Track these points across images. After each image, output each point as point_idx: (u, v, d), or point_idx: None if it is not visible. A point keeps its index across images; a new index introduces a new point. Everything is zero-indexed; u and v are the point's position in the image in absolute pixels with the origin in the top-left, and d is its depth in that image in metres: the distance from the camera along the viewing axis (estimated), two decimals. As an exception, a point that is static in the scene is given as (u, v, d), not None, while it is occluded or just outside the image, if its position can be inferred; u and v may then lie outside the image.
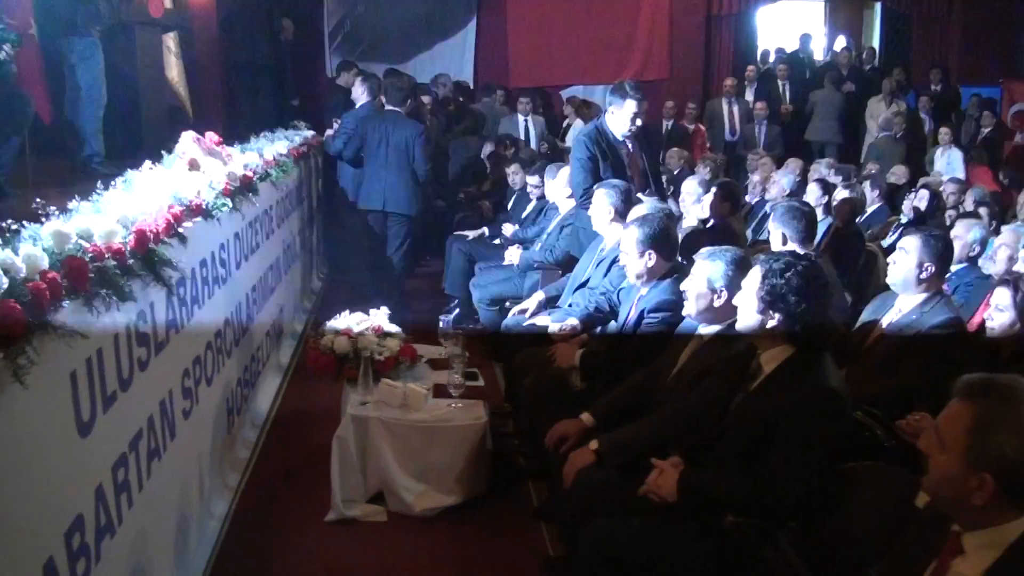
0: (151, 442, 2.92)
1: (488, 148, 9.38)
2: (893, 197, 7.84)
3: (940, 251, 3.73)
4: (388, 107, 6.80)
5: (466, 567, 3.71)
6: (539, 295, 5.10)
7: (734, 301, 2.87)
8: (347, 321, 4.31)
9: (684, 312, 3.39)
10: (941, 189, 7.20)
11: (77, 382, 2.29)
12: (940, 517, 1.94)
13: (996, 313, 3.31)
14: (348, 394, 4.12)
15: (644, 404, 3.47)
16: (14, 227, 2.26)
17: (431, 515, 3.94)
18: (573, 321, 4.41)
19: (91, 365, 2.39)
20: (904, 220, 7.12)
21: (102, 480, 2.47)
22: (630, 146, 5.42)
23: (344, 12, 11.13)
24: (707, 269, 3.22)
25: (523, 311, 5.01)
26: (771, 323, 2.67)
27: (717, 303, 3.23)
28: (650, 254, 3.82)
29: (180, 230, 3.28)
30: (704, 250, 3.33)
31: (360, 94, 7.32)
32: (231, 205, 3.96)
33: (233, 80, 9.09)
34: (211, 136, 4.53)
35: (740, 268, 3.20)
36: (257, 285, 4.99)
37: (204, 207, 3.65)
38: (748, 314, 2.75)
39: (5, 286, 1.97)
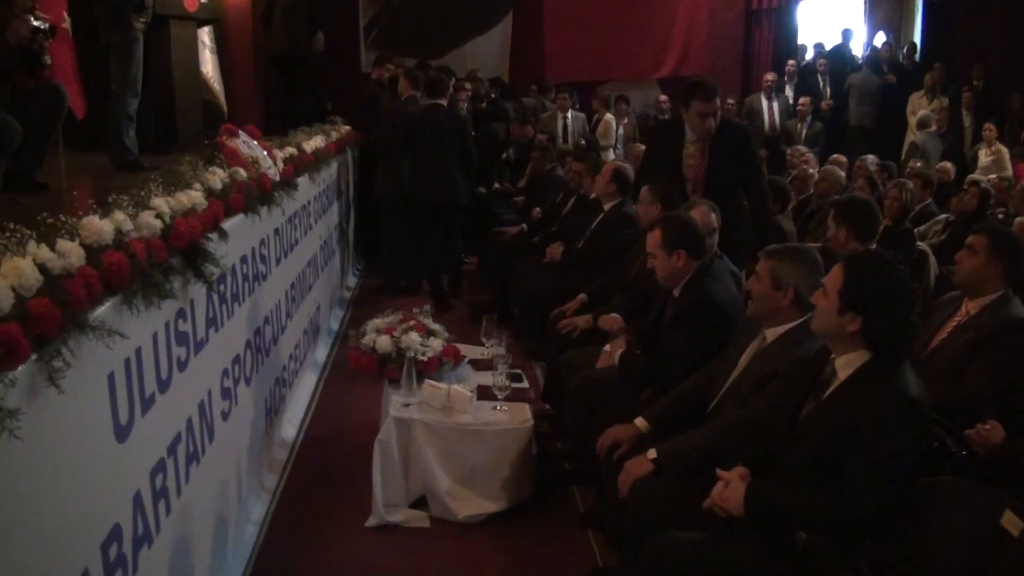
0: (190, 446, 2.81)
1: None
2: (939, 194, 7.61)
3: (1009, 249, 3.55)
4: (432, 101, 6.79)
5: (512, 576, 3.57)
6: (582, 296, 4.96)
7: (812, 300, 2.69)
8: (389, 319, 4.20)
9: (748, 313, 3.22)
10: (989, 187, 6.94)
11: (115, 384, 2.18)
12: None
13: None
14: (389, 395, 3.99)
15: (701, 409, 3.32)
16: (50, 221, 2.15)
17: (475, 521, 3.81)
18: (616, 318, 4.30)
19: (129, 366, 2.28)
20: (951, 218, 6.89)
21: (140, 487, 2.36)
22: (702, 149, 4.95)
23: (379, 7, 11.02)
24: (774, 267, 3.05)
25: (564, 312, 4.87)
26: (852, 326, 2.48)
27: (784, 303, 3.06)
28: (679, 254, 3.67)
29: (222, 225, 3.16)
30: (770, 248, 3.16)
31: (405, 88, 7.25)
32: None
33: (269, 76, 9.00)
34: (251, 129, 4.42)
35: (809, 266, 3.06)
36: (295, 282, 4.89)
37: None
38: (827, 315, 2.55)
39: (40, 284, 1.86)
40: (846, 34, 12.24)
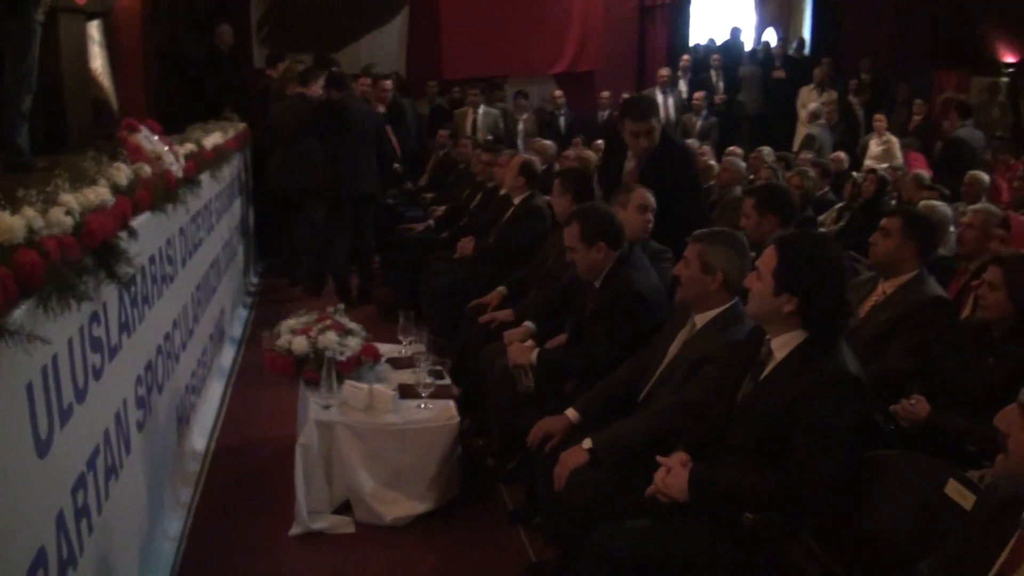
0: (108, 459, 2.64)
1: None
2: (834, 184, 7.88)
3: (922, 230, 3.67)
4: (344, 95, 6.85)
5: (445, 578, 3.49)
6: (501, 289, 4.91)
7: (745, 283, 2.69)
8: (303, 319, 4.06)
9: (677, 298, 3.24)
10: (886, 174, 7.23)
11: (34, 395, 2.02)
12: (1002, 507, 1.83)
13: (988, 292, 3.22)
14: (307, 398, 3.85)
15: (632, 398, 3.31)
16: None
17: (402, 524, 3.71)
18: (527, 324, 4.29)
19: (47, 375, 2.12)
20: (844, 206, 7.15)
21: (63, 505, 2.19)
22: (637, 167, 4.82)
23: (272, 1, 10.71)
24: (703, 251, 3.06)
25: (484, 305, 4.82)
26: (788, 307, 2.50)
27: (712, 287, 3.08)
28: (599, 246, 3.66)
29: (131, 223, 2.98)
30: (699, 232, 3.17)
31: (314, 84, 7.17)
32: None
33: (159, 72, 8.63)
34: (152, 124, 4.21)
35: (738, 250, 3.09)
36: (201, 283, 4.69)
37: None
38: (762, 297, 2.55)
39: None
40: (735, 31, 12.56)
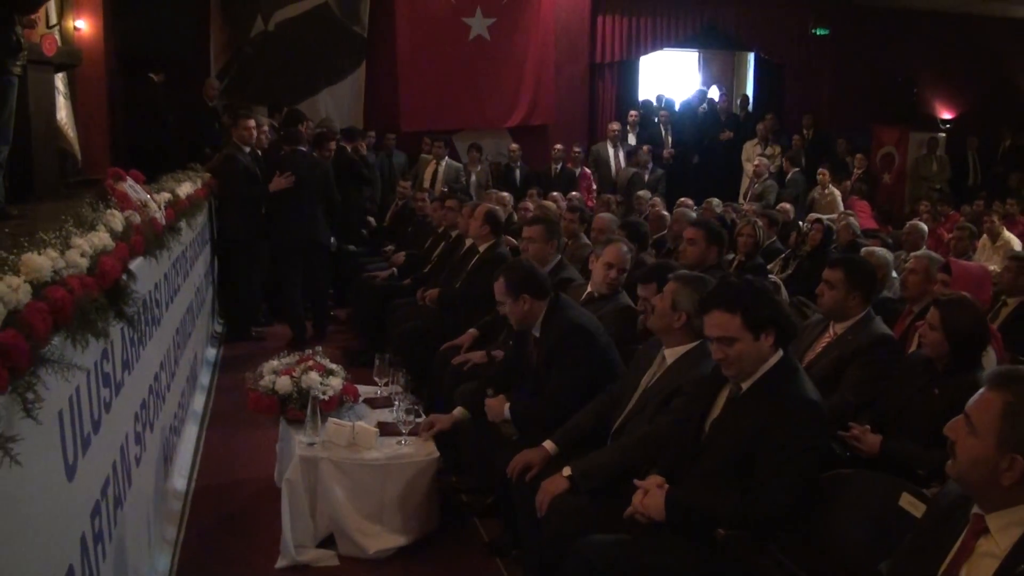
0: (116, 489, 2.76)
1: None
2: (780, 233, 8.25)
3: (864, 278, 3.95)
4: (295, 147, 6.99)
5: (427, 607, 3.62)
6: (472, 331, 5.10)
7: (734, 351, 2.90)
8: (285, 361, 4.20)
9: (642, 322, 3.49)
10: (831, 224, 7.61)
11: (63, 422, 2.15)
12: (952, 508, 2.05)
13: (929, 332, 3.51)
14: (291, 436, 3.98)
15: (605, 429, 3.51)
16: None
17: (384, 556, 3.84)
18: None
19: (72, 404, 2.26)
20: (790, 254, 7.50)
21: (84, 529, 2.32)
22: None
23: (231, 55, 10.90)
24: (676, 290, 3.33)
25: (456, 347, 5.00)
26: (770, 339, 2.76)
27: (676, 324, 3.32)
28: (524, 299, 3.89)
29: (130, 266, 3.13)
30: (679, 273, 3.46)
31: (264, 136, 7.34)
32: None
33: (127, 122, 8.77)
34: (135, 174, 4.35)
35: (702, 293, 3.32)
36: (179, 327, 4.80)
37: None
38: (750, 350, 2.78)
39: (3, 316, 1.85)
40: (684, 88, 13.07)
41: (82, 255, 2.60)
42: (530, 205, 8.51)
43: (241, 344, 7.33)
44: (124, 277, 2.99)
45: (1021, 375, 1.92)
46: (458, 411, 4.09)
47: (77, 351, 2.22)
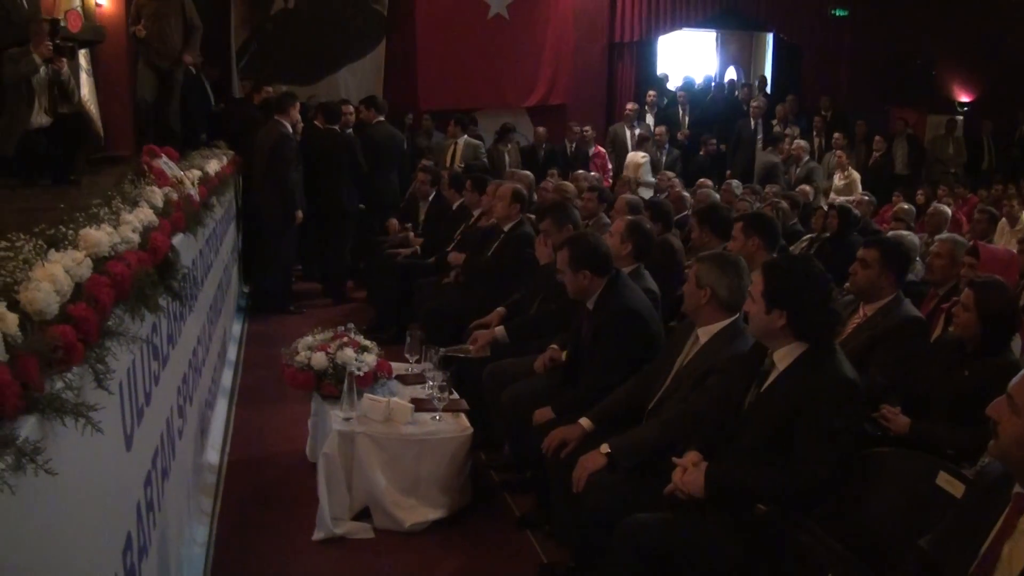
0: (163, 460, 2.81)
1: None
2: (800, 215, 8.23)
3: (899, 258, 3.96)
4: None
5: (462, 580, 3.67)
6: (500, 310, 5.12)
7: (744, 308, 2.97)
8: (319, 337, 4.24)
9: (683, 308, 3.50)
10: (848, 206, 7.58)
11: (123, 392, 2.19)
12: (993, 487, 2.07)
13: (962, 312, 3.52)
14: (327, 411, 4.02)
15: (640, 407, 3.54)
16: (49, 232, 2.15)
17: (419, 529, 3.89)
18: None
19: (130, 376, 2.29)
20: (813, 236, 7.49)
21: (139, 498, 2.36)
22: None
23: (250, 33, 10.90)
24: (699, 269, 3.38)
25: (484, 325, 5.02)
26: (780, 321, 2.78)
27: (702, 301, 3.35)
28: (584, 273, 3.92)
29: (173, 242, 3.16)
30: (702, 254, 3.49)
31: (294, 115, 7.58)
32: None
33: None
34: (168, 151, 4.38)
35: (729, 272, 3.35)
36: (212, 303, 4.84)
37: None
38: (757, 317, 2.86)
39: (72, 289, 1.88)
40: (707, 79, 12.99)
41: (133, 231, 2.64)
42: (549, 185, 8.51)
43: (263, 320, 7.39)
44: (171, 253, 3.03)
45: None
46: (499, 330, 4.53)
47: (136, 324, 2.26)
